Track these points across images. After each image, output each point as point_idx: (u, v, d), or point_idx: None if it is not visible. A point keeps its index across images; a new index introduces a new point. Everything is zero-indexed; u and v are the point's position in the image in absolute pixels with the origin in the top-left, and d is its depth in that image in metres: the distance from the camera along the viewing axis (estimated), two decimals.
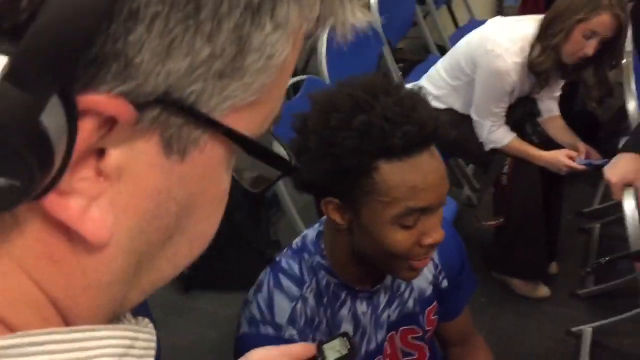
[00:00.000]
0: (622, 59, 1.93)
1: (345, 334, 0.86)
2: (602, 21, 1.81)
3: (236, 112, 0.29)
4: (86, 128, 0.26)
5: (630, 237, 1.43)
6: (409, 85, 2.61)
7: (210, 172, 0.31)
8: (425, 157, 0.86)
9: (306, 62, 3.62)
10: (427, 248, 0.91)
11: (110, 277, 0.30)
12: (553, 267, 2.37)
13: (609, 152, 2.10)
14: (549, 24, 1.87)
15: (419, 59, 3.22)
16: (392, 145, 0.83)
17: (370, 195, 0.86)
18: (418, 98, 0.88)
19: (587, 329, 2.12)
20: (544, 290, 2.28)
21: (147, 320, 0.36)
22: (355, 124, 0.83)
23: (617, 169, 1.48)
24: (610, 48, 1.88)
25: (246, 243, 2.30)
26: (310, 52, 3.61)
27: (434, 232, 0.89)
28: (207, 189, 0.32)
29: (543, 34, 1.88)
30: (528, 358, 2.09)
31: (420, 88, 0.94)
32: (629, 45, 1.97)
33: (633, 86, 1.95)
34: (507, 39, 1.94)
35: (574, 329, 2.14)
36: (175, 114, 0.28)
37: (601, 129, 2.89)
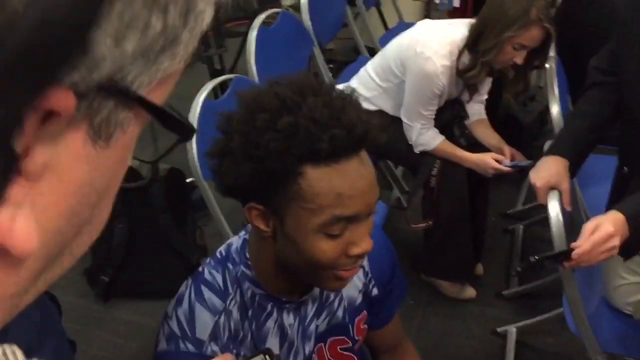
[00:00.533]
0: (545, 63, 1.97)
1: (267, 351, 0.81)
2: (532, 36, 1.85)
3: (159, 85, 0.27)
4: (28, 128, 0.22)
5: (554, 240, 1.45)
6: (340, 86, 2.61)
7: (126, 152, 0.29)
8: (353, 163, 0.82)
9: (235, 62, 3.55)
10: (355, 258, 0.87)
11: (15, 289, 0.27)
12: (479, 268, 2.41)
13: (532, 154, 2.15)
14: (479, 35, 1.89)
15: (348, 60, 3.21)
16: (318, 149, 0.78)
17: (295, 202, 0.82)
18: (349, 100, 0.84)
19: (512, 329, 2.16)
20: (470, 292, 2.31)
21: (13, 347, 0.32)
22: (280, 125, 0.78)
23: (542, 172, 1.50)
24: (537, 54, 1.92)
25: (170, 248, 2.21)
26: (239, 52, 3.54)
27: (362, 242, 0.85)
28: (118, 172, 0.30)
29: (472, 44, 1.90)
30: (456, 359, 2.11)
31: (353, 90, 0.90)
32: (551, 50, 2.02)
33: (556, 90, 1.99)
34: (437, 41, 1.94)
35: (499, 329, 2.18)
36: (110, 97, 0.25)
37: (524, 132, 2.98)
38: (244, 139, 0.80)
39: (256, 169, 0.80)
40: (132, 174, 2.20)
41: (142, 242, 2.22)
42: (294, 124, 0.78)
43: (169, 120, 0.29)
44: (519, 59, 1.88)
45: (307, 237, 0.83)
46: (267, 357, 0.80)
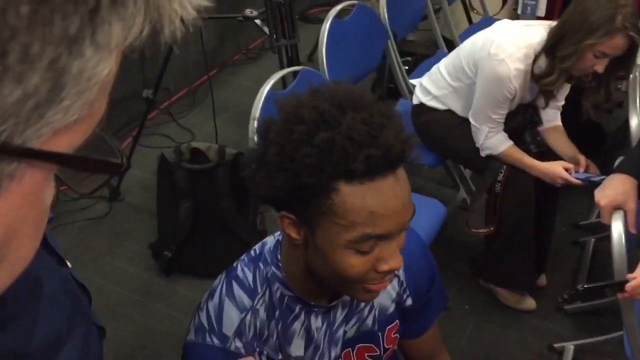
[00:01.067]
0: (631, 74, 1.86)
1: None
2: (616, 44, 1.74)
3: (57, 134, 0.28)
4: None
5: (615, 263, 1.38)
6: (414, 81, 2.56)
7: (30, 198, 0.30)
8: (389, 182, 0.81)
9: (311, 53, 3.56)
10: (384, 274, 0.86)
11: None
12: (542, 279, 2.32)
13: (611, 165, 2.03)
14: (559, 40, 1.80)
15: (427, 53, 3.15)
16: (353, 168, 0.78)
17: (327, 217, 0.81)
18: (390, 116, 0.82)
19: (570, 346, 2.08)
20: (530, 303, 2.24)
21: None
22: (317, 140, 0.78)
23: (607, 190, 1.43)
24: (620, 63, 1.81)
25: (231, 231, 2.26)
26: (317, 42, 3.55)
27: (392, 259, 0.85)
28: (28, 215, 0.31)
29: (551, 49, 1.82)
30: None
31: (394, 103, 0.89)
32: (638, 58, 1.90)
33: (638, 101, 1.88)
34: (512, 43, 1.87)
35: (556, 344, 2.10)
36: None
37: (608, 140, 2.82)
38: (279, 151, 0.80)
39: (290, 182, 0.80)
40: (200, 156, 2.27)
41: (205, 222, 2.29)
42: (331, 141, 0.77)
43: (78, 164, 0.31)
44: (600, 67, 1.78)
45: (337, 251, 0.83)
46: None
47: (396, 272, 1.07)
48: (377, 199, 0.80)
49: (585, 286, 1.20)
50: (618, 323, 1.89)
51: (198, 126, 3.19)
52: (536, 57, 1.86)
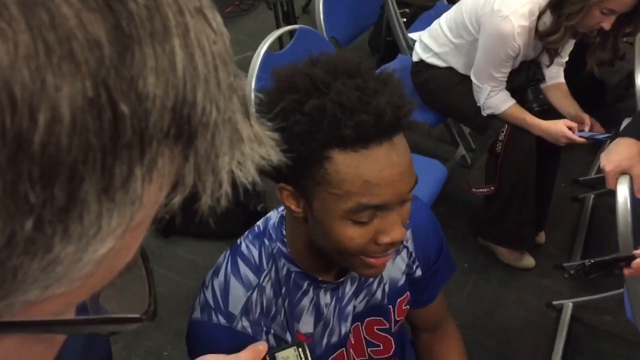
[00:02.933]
0: (639, 30, 1.80)
1: (300, 343, 0.81)
2: (623, 0, 1.68)
3: (36, 304, 0.24)
4: None
5: (619, 227, 1.37)
6: (413, 35, 2.49)
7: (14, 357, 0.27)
8: (384, 150, 0.77)
9: (306, 4, 3.47)
10: (385, 246, 0.83)
11: None
12: (541, 237, 2.33)
13: (616, 117, 1.99)
14: None
15: (427, 4, 3.06)
16: (343, 135, 0.74)
17: (322, 187, 0.79)
18: (386, 82, 0.78)
19: (568, 303, 2.10)
20: (529, 261, 2.24)
21: None
22: (307, 108, 0.75)
23: (613, 155, 1.40)
24: (628, 19, 1.76)
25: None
26: (306, 5, 3.45)
27: (393, 230, 0.81)
28: None
29: (557, 6, 1.75)
30: (506, 328, 2.07)
31: (394, 70, 0.85)
32: None
33: None
34: (517, 0, 1.81)
35: (555, 302, 2.12)
36: None
37: (609, 93, 2.78)
38: (271, 120, 0.77)
39: (282, 151, 0.77)
40: None
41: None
42: (321, 108, 0.75)
43: (72, 328, 0.27)
44: (607, 24, 1.73)
45: (334, 223, 0.81)
46: (299, 350, 0.80)
47: (404, 243, 1.05)
48: (371, 168, 0.77)
49: (592, 261, 1.19)
50: (617, 281, 1.90)
51: None
52: (541, 14, 1.80)
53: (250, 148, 0.27)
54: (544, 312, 2.12)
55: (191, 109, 0.23)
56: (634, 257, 1.14)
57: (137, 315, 0.29)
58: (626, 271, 1.16)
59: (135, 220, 0.24)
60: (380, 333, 1.08)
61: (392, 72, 0.82)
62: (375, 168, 0.77)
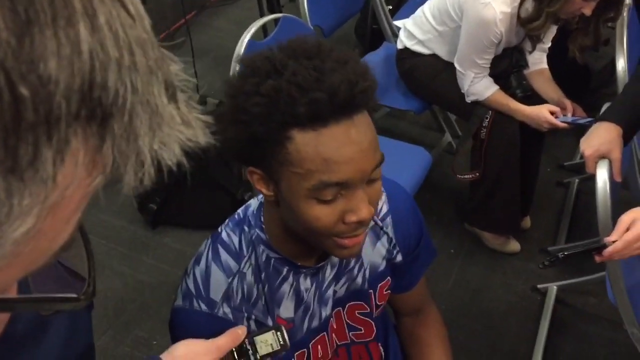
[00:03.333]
0: (620, 15, 1.82)
1: (278, 327, 0.82)
2: None
3: None
4: None
5: (598, 211, 1.39)
6: (398, 23, 2.50)
7: None
8: (343, 128, 0.78)
9: None
10: (354, 226, 0.84)
11: None
12: (526, 222, 2.35)
13: (600, 103, 2.01)
14: None
15: None
16: (298, 113, 0.76)
17: (285, 167, 0.80)
18: (345, 61, 0.79)
19: (553, 287, 2.13)
20: (514, 246, 2.27)
21: None
22: (263, 89, 0.76)
23: (592, 139, 1.42)
24: (609, 5, 1.77)
25: (216, 182, 2.25)
26: None
27: (359, 209, 0.82)
28: None
29: None
30: (491, 312, 2.10)
31: (355, 49, 0.85)
32: None
33: (625, 43, 1.85)
34: None
35: (540, 285, 2.15)
36: None
37: (593, 78, 2.80)
38: (232, 103, 0.80)
39: (242, 133, 0.79)
40: None
41: (191, 174, 2.27)
42: (277, 88, 0.76)
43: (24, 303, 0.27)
44: (588, 10, 1.74)
45: (300, 202, 0.82)
46: (278, 333, 0.81)
47: (384, 229, 1.07)
48: (330, 145, 0.78)
49: (566, 253, 1.21)
50: (600, 264, 1.93)
51: None
52: (522, 0, 1.81)
53: (176, 130, 0.27)
54: (529, 296, 2.15)
55: (102, 91, 0.24)
56: (605, 246, 1.16)
57: (74, 295, 0.30)
58: (597, 258, 1.18)
59: (50, 200, 0.24)
60: (362, 317, 1.10)
61: (353, 53, 0.83)
62: (334, 145, 0.78)
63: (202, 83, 2.86)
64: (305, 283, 1.00)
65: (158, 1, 3.18)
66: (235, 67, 1.65)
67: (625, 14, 1.86)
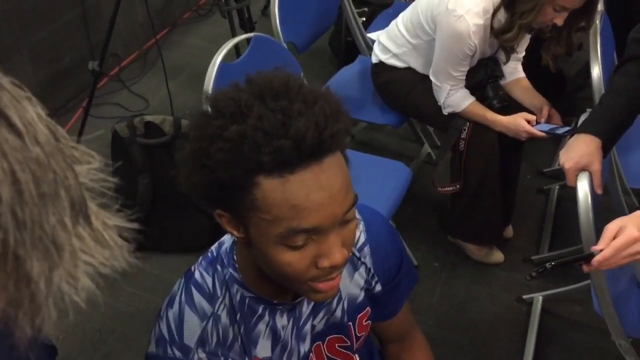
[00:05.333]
0: (592, 25, 1.81)
1: None
2: None
3: None
4: None
5: (581, 224, 1.38)
6: (372, 35, 2.48)
7: None
8: (311, 174, 0.74)
9: (265, 7, 3.43)
10: (327, 270, 0.80)
11: None
12: (508, 231, 2.34)
13: (575, 107, 1.99)
14: None
15: (385, 3, 3.05)
16: (262, 162, 0.72)
17: (253, 212, 0.76)
18: (314, 102, 0.75)
19: (538, 297, 2.11)
20: (498, 256, 2.25)
21: None
22: (227, 134, 0.73)
23: (571, 152, 1.40)
24: (581, 15, 1.77)
25: (193, 205, 2.20)
26: (265, 8, 3.42)
27: (331, 254, 0.78)
28: None
29: (510, 4, 1.75)
30: (478, 325, 2.08)
31: (328, 87, 0.83)
32: (599, 3, 1.86)
33: (599, 50, 1.84)
34: None
35: (525, 296, 2.13)
36: None
37: (568, 83, 2.81)
38: (196, 147, 0.76)
39: (207, 179, 0.76)
40: (155, 130, 2.18)
41: (166, 197, 2.22)
42: (241, 133, 0.72)
43: None
44: (560, 20, 1.74)
45: (269, 248, 0.79)
46: None
47: (362, 260, 1.04)
48: (298, 192, 0.74)
49: (553, 263, 1.18)
50: (584, 272, 1.92)
51: (152, 92, 3.06)
52: (495, 11, 1.80)
53: (87, 255, 0.23)
54: (515, 307, 2.13)
55: None
56: (592, 255, 1.14)
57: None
58: (585, 268, 1.16)
59: None
60: (343, 350, 1.06)
61: (323, 91, 0.80)
62: (302, 192, 0.74)
63: (177, 103, 2.82)
64: (282, 320, 0.96)
65: (129, 20, 3.13)
66: (207, 92, 1.62)
67: (597, 21, 1.86)
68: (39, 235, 0.22)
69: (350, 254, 0.83)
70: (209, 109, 0.78)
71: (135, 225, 0.27)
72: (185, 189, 0.80)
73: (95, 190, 0.25)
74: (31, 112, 0.22)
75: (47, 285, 0.22)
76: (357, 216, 1.03)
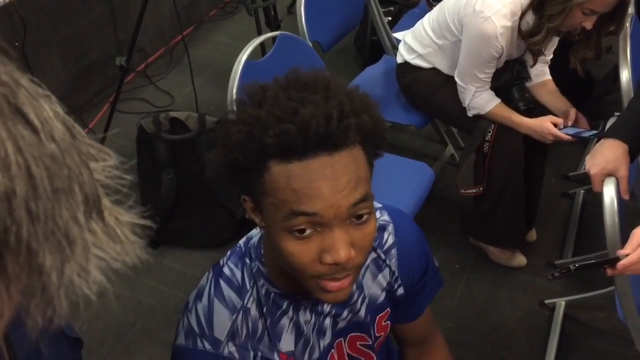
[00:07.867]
0: (622, 29, 1.78)
1: None
2: (605, 1, 1.66)
3: None
4: None
5: (607, 230, 1.36)
6: (398, 35, 2.47)
7: None
8: (319, 163, 0.75)
9: (291, 5, 3.44)
10: (333, 267, 0.80)
11: None
12: (531, 235, 2.32)
13: (603, 110, 1.95)
14: None
15: (411, 2, 3.04)
16: (267, 144, 0.74)
17: (265, 197, 0.78)
18: (337, 95, 0.76)
19: (561, 302, 2.09)
20: (520, 260, 2.23)
21: None
22: (244, 117, 0.76)
23: (598, 158, 1.38)
24: (610, 18, 1.74)
25: (216, 201, 2.22)
26: (291, 6, 3.43)
27: (334, 249, 0.78)
28: None
29: (539, 7, 1.73)
30: (499, 328, 2.06)
31: (357, 87, 0.83)
32: (630, 6, 1.83)
33: (628, 54, 1.82)
34: (498, 0, 1.79)
35: (547, 301, 2.11)
36: None
37: (595, 86, 2.76)
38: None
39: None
40: (179, 126, 2.20)
41: (189, 193, 2.24)
42: (256, 117, 0.75)
43: None
44: (589, 24, 1.71)
45: (277, 235, 0.80)
46: None
47: (387, 262, 1.04)
48: (302, 178, 0.76)
49: (578, 265, 1.17)
50: (608, 278, 1.89)
51: (177, 88, 3.09)
52: (523, 13, 1.78)
53: (99, 250, 0.24)
54: (536, 311, 2.11)
55: None
56: (618, 259, 1.12)
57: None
58: (609, 271, 1.15)
59: None
60: (363, 349, 1.07)
61: (352, 88, 0.81)
62: (306, 179, 0.76)
63: (201, 99, 2.84)
64: (305, 315, 0.97)
65: (156, 17, 3.16)
66: (232, 89, 1.63)
67: (628, 24, 1.83)
68: (51, 229, 0.23)
69: (362, 259, 0.83)
70: (240, 99, 0.81)
71: (148, 222, 0.27)
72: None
73: (110, 187, 0.26)
74: (48, 110, 0.23)
75: (59, 277, 0.23)
76: (387, 218, 1.04)
